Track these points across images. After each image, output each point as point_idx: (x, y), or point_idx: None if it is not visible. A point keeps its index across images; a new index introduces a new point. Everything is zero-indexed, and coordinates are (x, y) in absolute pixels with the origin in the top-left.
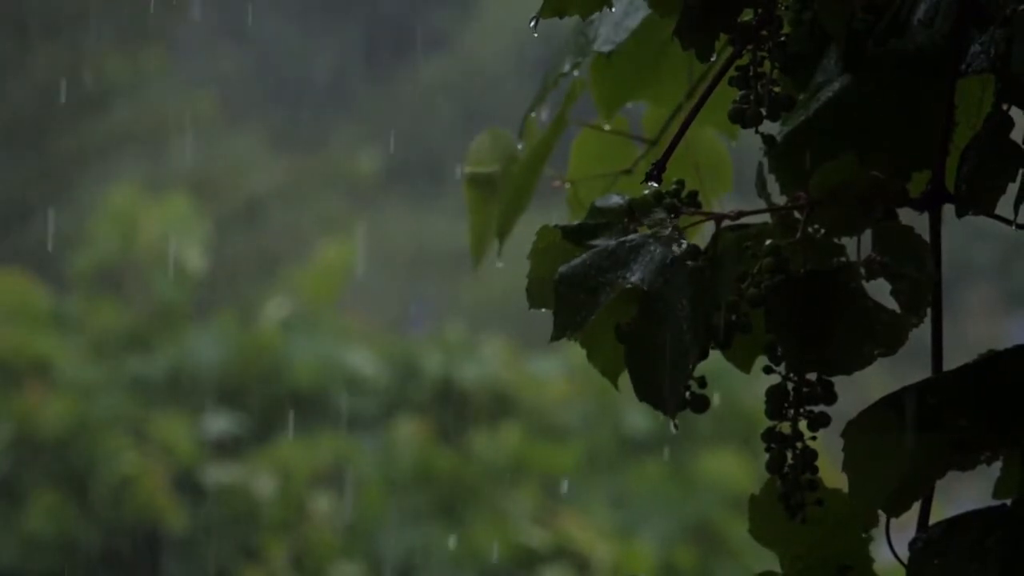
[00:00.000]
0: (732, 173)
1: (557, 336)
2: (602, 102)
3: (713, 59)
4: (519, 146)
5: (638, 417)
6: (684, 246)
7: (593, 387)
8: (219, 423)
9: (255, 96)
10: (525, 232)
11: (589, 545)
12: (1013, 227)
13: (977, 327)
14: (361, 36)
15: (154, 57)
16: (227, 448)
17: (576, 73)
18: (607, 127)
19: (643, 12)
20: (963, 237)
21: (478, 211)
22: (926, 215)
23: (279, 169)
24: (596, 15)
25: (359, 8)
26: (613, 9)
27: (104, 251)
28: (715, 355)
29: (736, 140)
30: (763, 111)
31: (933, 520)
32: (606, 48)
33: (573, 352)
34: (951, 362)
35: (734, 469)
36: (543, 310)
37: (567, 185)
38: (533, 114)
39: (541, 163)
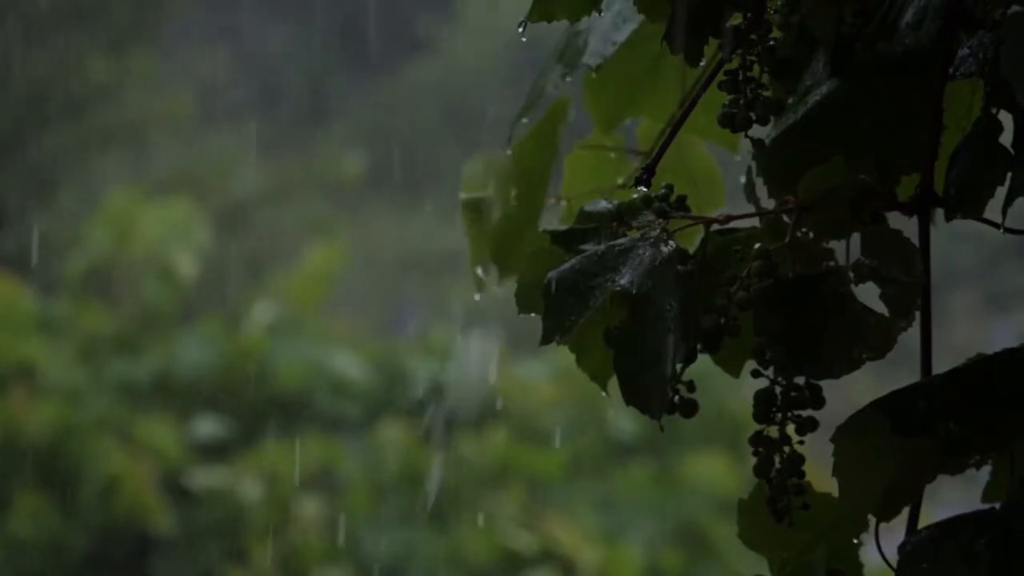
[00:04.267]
0: (724, 189)
1: (546, 340)
2: (600, 119)
3: (703, 63)
4: (507, 153)
5: (624, 421)
6: (672, 248)
7: (579, 391)
8: (205, 427)
9: (239, 99)
10: None
11: (575, 549)
12: (1001, 231)
13: (961, 331)
14: (345, 39)
15: (140, 59)
16: (213, 452)
17: (569, 80)
18: (608, 143)
19: (632, 25)
20: (946, 241)
21: (475, 235)
22: (914, 219)
23: (264, 172)
24: (585, 24)
25: (343, 12)
26: (602, 14)
27: (97, 254)
28: (702, 358)
29: (737, 152)
30: (752, 115)
31: (922, 524)
32: (594, 61)
33: (559, 356)
34: (935, 366)
35: (720, 472)
36: (531, 315)
37: (563, 204)
38: (521, 128)
39: (540, 190)
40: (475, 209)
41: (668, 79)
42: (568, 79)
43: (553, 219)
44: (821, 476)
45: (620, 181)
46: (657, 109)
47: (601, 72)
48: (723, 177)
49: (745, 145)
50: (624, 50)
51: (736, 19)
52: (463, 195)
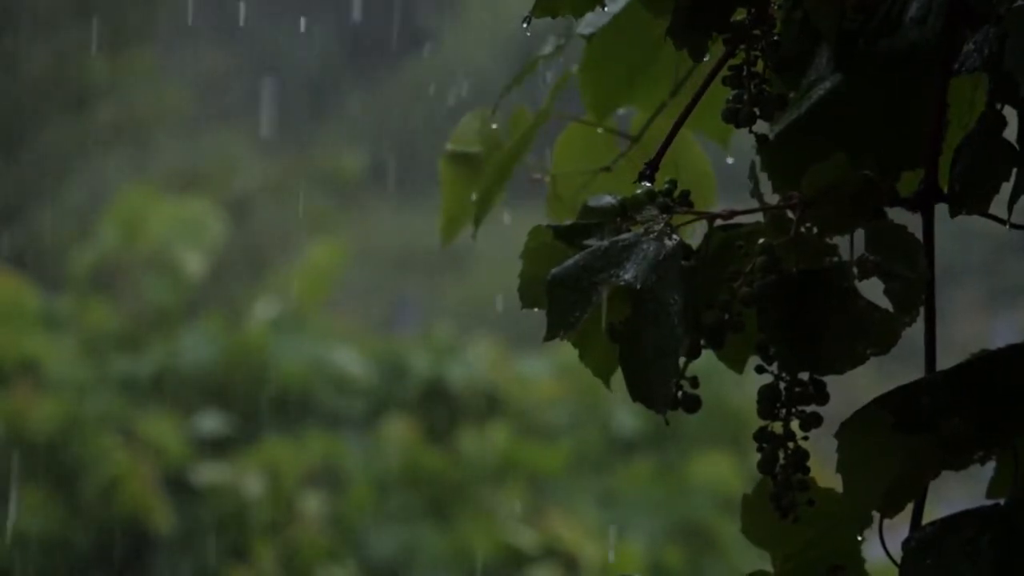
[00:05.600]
0: (716, 186)
1: (550, 337)
2: (593, 106)
3: (706, 59)
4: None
5: (627, 417)
6: (676, 243)
7: (581, 387)
8: (208, 423)
9: (240, 95)
10: (514, 231)
11: (577, 545)
12: (1007, 227)
13: (964, 327)
14: (345, 35)
15: (141, 56)
16: (216, 448)
17: (561, 59)
18: (600, 131)
19: None
20: (949, 236)
21: (453, 189)
22: (918, 214)
23: (264, 169)
24: None
25: (344, 7)
26: (606, 9)
27: (104, 250)
28: (706, 355)
29: (728, 148)
30: (756, 111)
31: (925, 520)
32: (587, 31)
33: (561, 352)
34: (939, 362)
35: (723, 469)
36: (533, 310)
37: (547, 179)
38: (523, 106)
39: (522, 152)
40: (459, 162)
41: (663, 69)
42: (561, 51)
43: (539, 197)
44: (824, 472)
45: (607, 164)
46: (653, 98)
47: (597, 59)
48: (715, 172)
49: (747, 141)
50: (621, 37)
51: (740, 14)
52: (449, 146)
